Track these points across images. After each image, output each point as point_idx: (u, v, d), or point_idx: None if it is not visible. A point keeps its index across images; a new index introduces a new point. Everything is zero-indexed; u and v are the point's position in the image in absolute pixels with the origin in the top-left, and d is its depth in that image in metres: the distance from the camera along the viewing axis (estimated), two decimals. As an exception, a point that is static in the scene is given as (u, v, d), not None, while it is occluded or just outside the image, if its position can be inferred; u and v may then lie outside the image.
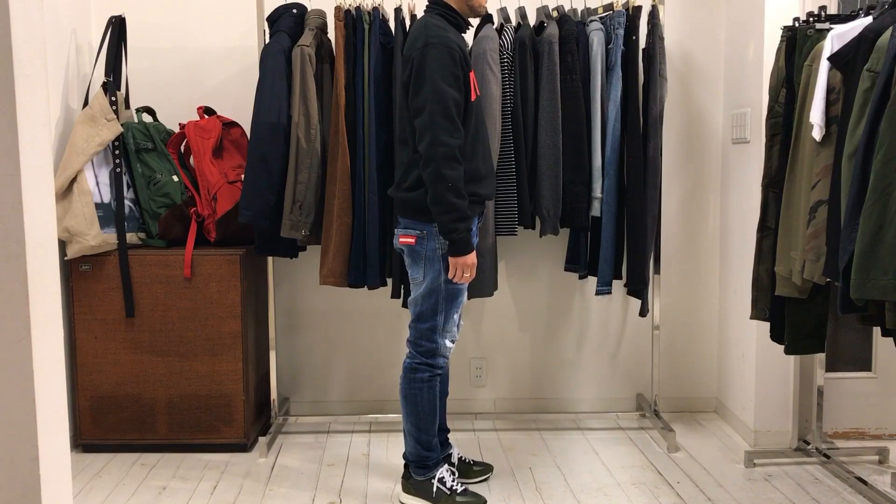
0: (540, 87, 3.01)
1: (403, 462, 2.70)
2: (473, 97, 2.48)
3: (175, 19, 3.38)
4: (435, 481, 2.62)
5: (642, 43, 3.10)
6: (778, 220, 2.60)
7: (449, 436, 2.85)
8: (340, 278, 3.01)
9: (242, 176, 3.02)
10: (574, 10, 3.19)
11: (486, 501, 2.62)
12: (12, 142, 1.27)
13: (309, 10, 3.04)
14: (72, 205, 2.91)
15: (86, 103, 3.06)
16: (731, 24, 3.36)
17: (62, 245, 2.94)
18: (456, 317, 2.58)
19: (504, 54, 2.99)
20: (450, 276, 2.46)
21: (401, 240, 2.51)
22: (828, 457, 2.94)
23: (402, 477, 2.70)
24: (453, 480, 2.64)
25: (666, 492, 2.74)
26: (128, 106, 3.22)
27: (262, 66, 2.91)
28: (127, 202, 3.07)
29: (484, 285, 3.00)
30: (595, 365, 3.56)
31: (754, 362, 3.10)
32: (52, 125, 2.98)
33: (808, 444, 3.05)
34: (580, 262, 3.21)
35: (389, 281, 3.07)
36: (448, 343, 2.57)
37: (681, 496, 2.70)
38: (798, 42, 2.56)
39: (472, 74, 2.48)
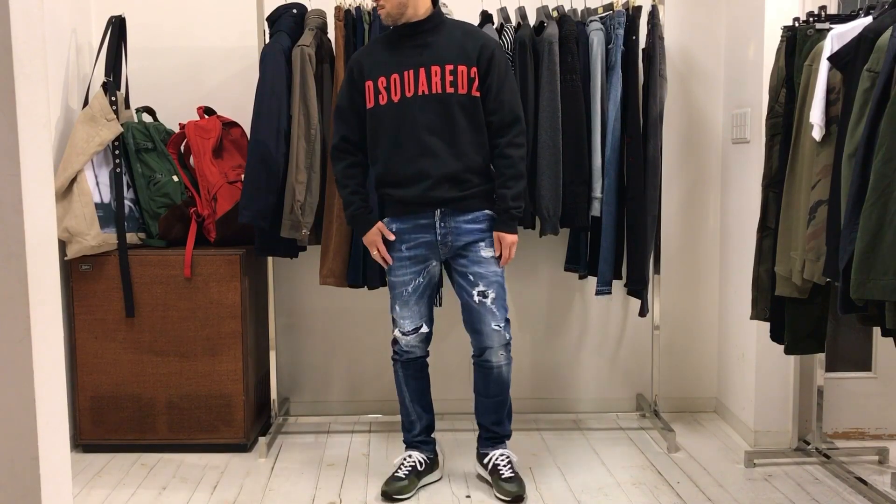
0: (540, 87, 3.01)
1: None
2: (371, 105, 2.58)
3: (175, 19, 3.38)
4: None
5: (642, 43, 3.10)
6: (778, 220, 2.60)
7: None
8: (340, 278, 3.01)
9: (242, 176, 3.02)
10: (574, 10, 3.19)
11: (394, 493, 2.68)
12: (12, 142, 1.27)
13: (309, 10, 3.04)
14: (72, 205, 2.91)
15: (86, 103, 3.06)
16: (731, 24, 3.36)
17: (62, 245, 2.94)
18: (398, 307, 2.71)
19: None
20: None
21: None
22: (828, 457, 2.94)
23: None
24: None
25: (666, 492, 2.74)
26: (128, 106, 3.22)
27: (262, 67, 2.91)
28: (127, 202, 3.07)
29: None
30: (595, 365, 3.56)
31: (754, 362, 3.10)
32: (52, 125, 2.98)
33: (808, 444, 3.05)
34: (580, 262, 3.21)
35: (389, 281, 3.07)
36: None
37: (681, 496, 2.70)
38: (798, 42, 2.56)
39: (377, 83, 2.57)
